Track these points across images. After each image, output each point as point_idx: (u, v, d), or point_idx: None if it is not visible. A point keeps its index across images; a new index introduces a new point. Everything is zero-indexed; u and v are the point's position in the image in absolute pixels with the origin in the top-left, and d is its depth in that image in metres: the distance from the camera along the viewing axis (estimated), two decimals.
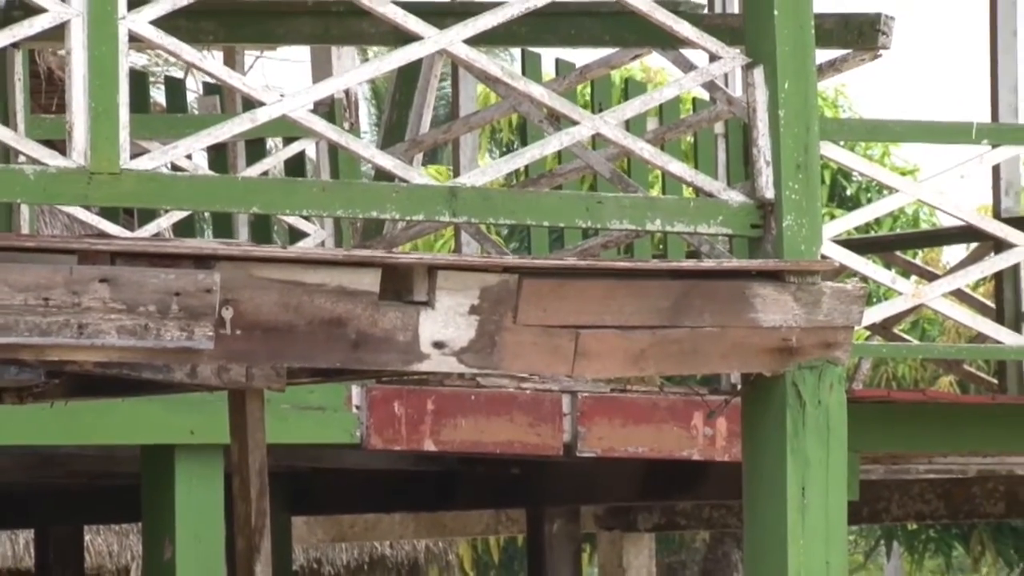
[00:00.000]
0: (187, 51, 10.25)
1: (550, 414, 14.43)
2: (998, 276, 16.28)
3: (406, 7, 10.70)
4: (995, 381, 17.30)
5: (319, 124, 10.22)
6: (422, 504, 21.91)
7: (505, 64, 11.90)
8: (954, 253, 18.61)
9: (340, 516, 22.32)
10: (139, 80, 12.08)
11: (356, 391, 13.37)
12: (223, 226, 12.09)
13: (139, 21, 9.63)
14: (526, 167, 11.04)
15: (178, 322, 9.92)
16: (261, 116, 10.42)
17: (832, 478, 10.83)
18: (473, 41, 10.59)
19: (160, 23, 10.23)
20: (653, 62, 12.86)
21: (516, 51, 13.24)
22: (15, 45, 11.00)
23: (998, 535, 29.62)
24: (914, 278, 17.04)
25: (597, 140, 10.91)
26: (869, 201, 17.59)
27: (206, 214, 12.03)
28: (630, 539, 21.15)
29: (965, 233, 17.43)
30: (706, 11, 12.35)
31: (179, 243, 9.92)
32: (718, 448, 13.97)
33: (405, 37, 10.49)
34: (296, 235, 11.24)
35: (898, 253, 18.10)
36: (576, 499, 18.10)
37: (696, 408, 14.32)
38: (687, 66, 11.53)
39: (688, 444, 14.81)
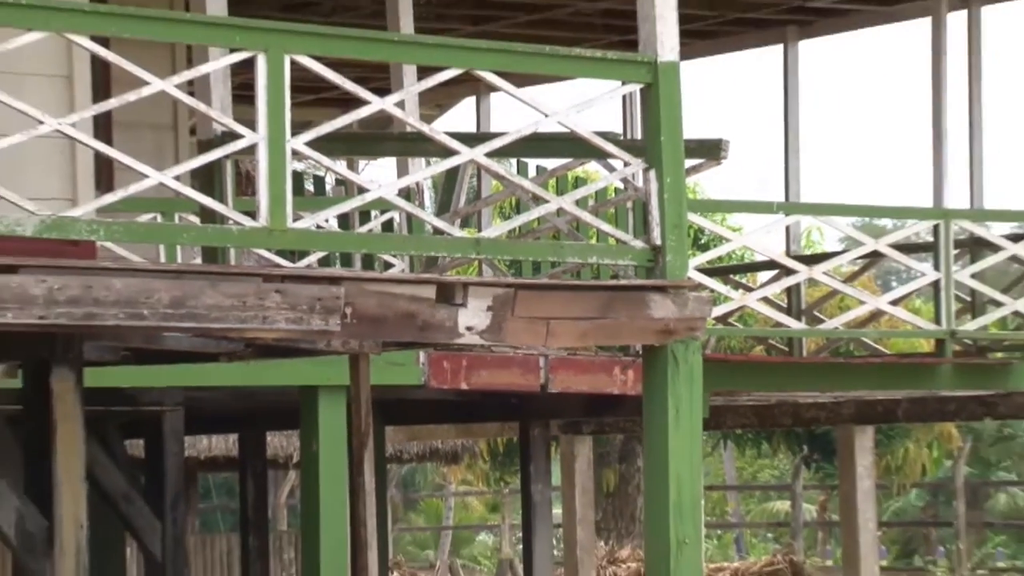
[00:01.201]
0: (325, 160, 10.74)
1: (533, 367, 14.93)
2: (788, 289, 16.22)
3: (451, 135, 11.04)
4: (787, 349, 17.20)
5: (402, 202, 10.85)
6: (459, 418, 21.05)
7: (508, 168, 12.18)
8: (764, 276, 18.81)
9: (411, 426, 22.15)
10: (297, 177, 12.22)
11: (421, 355, 13.65)
12: (346, 259, 12.32)
13: (297, 143, 9.91)
14: (520, 227, 11.28)
15: (319, 315, 9.94)
16: (368, 197, 10.95)
17: (693, 404, 10.85)
18: (489, 155, 10.81)
19: (309, 144, 10.17)
20: (591, 167, 12.99)
21: (513, 160, 13.32)
22: (227, 156, 10.62)
23: (787, 437, 28.80)
24: (740, 290, 17.10)
25: (560, 211, 10.53)
26: (715, 246, 17.70)
27: (337, 253, 12.21)
28: (578, 439, 21.11)
29: (770, 264, 17.45)
30: (622, 137, 11.97)
31: (320, 270, 10.79)
32: (629, 387, 14.12)
33: (450, 151, 10.62)
34: (387, 265, 11.46)
35: (731, 276, 18.02)
36: (547, 416, 18.28)
37: (616, 364, 14.33)
38: (611, 168, 11.93)
39: (611, 385, 15.19)
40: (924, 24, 18.77)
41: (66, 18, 9.87)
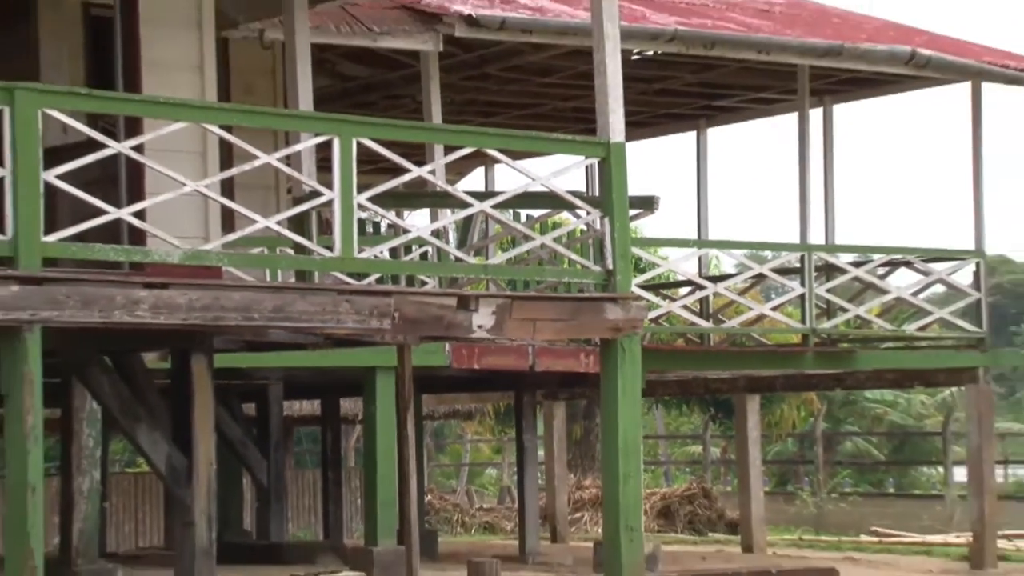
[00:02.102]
0: (380, 210, 10.45)
1: (524, 354, 14.77)
2: (700, 300, 16.17)
3: (467, 193, 11.17)
4: (699, 341, 16.95)
5: (433, 239, 10.99)
6: (473, 389, 21.15)
7: (507, 215, 11.92)
8: (684, 290, 18.33)
9: (440, 393, 21.69)
10: (360, 222, 12.02)
11: (447, 345, 13.42)
12: (395, 279, 12.04)
13: (361, 198, 9.75)
14: (515, 256, 11.08)
15: (376, 318, 9.85)
16: (410, 236, 11.22)
17: (635, 380, 10.62)
18: (494, 207, 10.92)
19: (370, 199, 9.93)
20: (565, 215, 12.61)
21: (511, 210, 13.01)
22: (312, 208, 10.31)
23: (700, 402, 27.75)
24: (667, 300, 16.72)
25: (543, 245, 10.40)
26: (649, 270, 17.09)
27: (389, 275, 11.81)
28: (555, 404, 20.91)
29: (687, 282, 17.67)
30: (585, 194, 11.60)
31: (376, 287, 10.47)
32: (590, 367, 13.84)
33: (466, 204, 10.56)
34: (423, 283, 11.19)
35: (661, 290, 17.47)
36: (534, 388, 18.06)
37: (582, 352, 14.38)
38: (577, 216, 11.85)
39: (578, 366, 15.04)
40: (813, 115, 18.67)
41: (202, 113, 10.00)
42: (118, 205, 9.23)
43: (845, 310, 17.58)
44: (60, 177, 8.73)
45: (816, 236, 18.56)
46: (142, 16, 10.73)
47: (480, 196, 11.43)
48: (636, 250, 14.10)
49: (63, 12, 11.73)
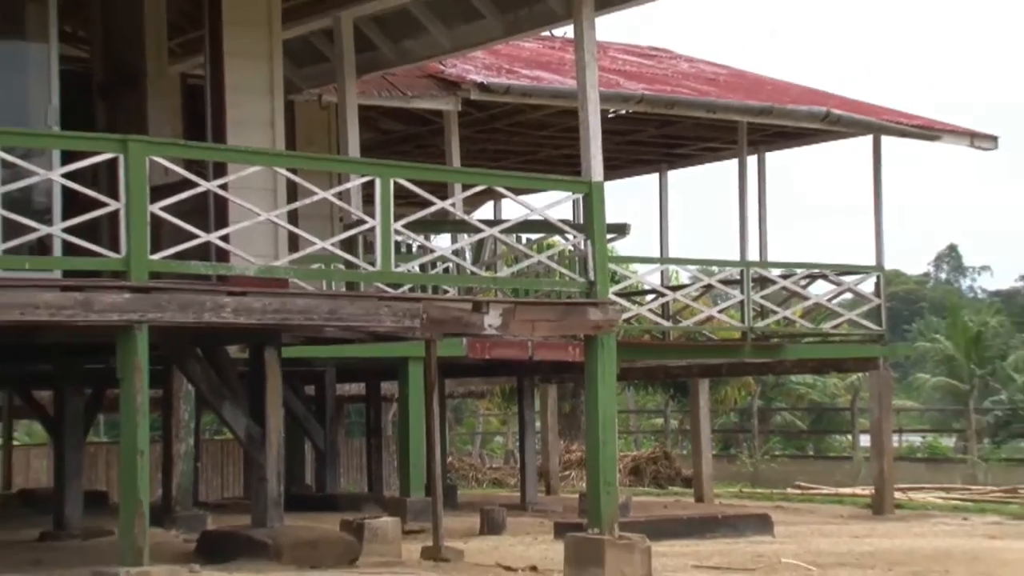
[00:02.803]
0: (412, 235, 10.44)
1: (524, 347, 14.92)
2: (663, 304, 16.11)
3: (481, 221, 10.94)
4: (661, 337, 16.92)
5: (453, 257, 11.16)
6: (484, 374, 20.79)
7: (512, 238, 11.81)
8: (649, 297, 18.09)
9: (458, 378, 21.58)
10: (396, 244, 11.95)
11: (464, 340, 13.33)
12: (423, 288, 11.88)
13: (397, 225, 9.56)
14: (517, 270, 10.98)
15: (408, 318, 9.69)
16: (436, 255, 10.94)
17: (611, 367, 10.34)
18: (502, 232, 10.84)
19: (404, 226, 9.79)
20: (556, 238, 12.51)
21: (515, 234, 12.80)
22: (359, 232, 10.15)
23: (663, 385, 27.19)
24: (636, 305, 16.59)
25: (540, 262, 10.33)
26: (622, 281, 16.80)
27: (419, 285, 11.63)
28: (549, 386, 20.87)
29: (653, 291, 17.59)
30: (572, 221, 11.46)
31: (409, 294, 10.08)
32: (576, 357, 13.59)
33: (480, 230, 10.54)
34: (446, 291, 11.09)
35: (631, 297, 17.25)
36: (532, 373, 17.98)
37: (570, 345, 14.17)
38: (566, 239, 11.43)
39: (567, 356, 14.92)
40: (751, 161, 18.68)
41: (273, 159, 10.12)
42: (207, 231, 9.19)
43: (775, 312, 17.57)
44: (163, 209, 8.73)
45: (752, 254, 18.46)
46: (227, 84, 10.69)
47: (490, 223, 11.51)
48: (612, 266, 14.14)
49: (166, 81, 11.68)
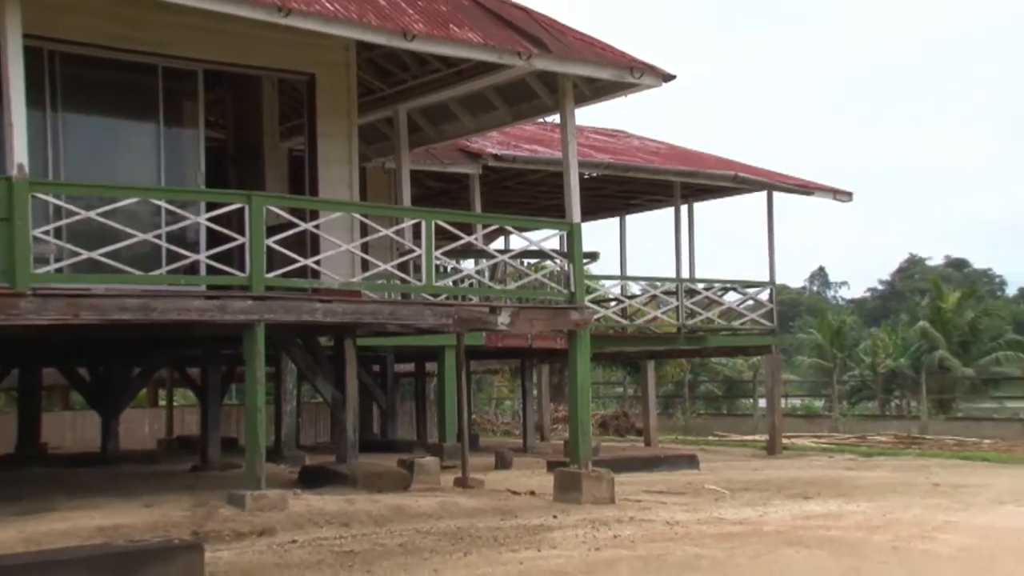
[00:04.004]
0: (446, 260, 10.29)
1: (526, 338, 14.54)
2: (623, 308, 15.91)
3: (496, 250, 10.39)
4: (622, 332, 16.84)
5: (476, 276, 10.28)
6: (497, 358, 20.62)
7: (517, 263, 11.50)
8: (612, 304, 17.33)
9: (480, 360, 21.20)
10: (437, 267, 11.75)
11: (484, 333, 13.08)
12: (454, 296, 11.71)
13: (437, 253, 9.48)
14: (521, 283, 10.81)
15: (444, 318, 9.58)
16: (463, 274, 9.58)
17: (586, 352, 9.97)
18: (511, 258, 10.78)
19: (443, 254, 9.72)
20: (548, 262, 12.15)
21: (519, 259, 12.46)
22: (410, 258, 9.88)
23: (623, 364, 27.27)
24: (603, 309, 16.45)
25: (537, 278, 10.14)
26: (594, 292, 16.35)
27: (452, 295, 11.43)
28: (543, 366, 20.36)
29: (616, 299, 17.13)
30: (560, 248, 11.26)
31: (445, 301, 10.02)
32: (562, 345, 13.42)
33: (495, 257, 9.59)
34: (470, 299, 10.88)
35: (601, 303, 17.00)
36: (532, 357, 17.94)
37: (558, 337, 14.15)
38: (555, 262, 11.25)
39: (555, 344, 15.08)
40: (684, 209, 18.28)
41: (351, 207, 10.01)
42: (305, 257, 9.15)
43: (700, 314, 17.44)
44: (275, 242, 8.72)
45: (684, 273, 18.11)
46: (319, 156, 10.63)
47: (502, 252, 11.46)
48: (587, 281, 13.83)
49: (278, 153, 11.74)
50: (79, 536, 7.07)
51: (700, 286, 17.65)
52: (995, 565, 6.47)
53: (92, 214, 7.95)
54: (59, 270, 7.96)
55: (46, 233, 7.70)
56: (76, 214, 7.85)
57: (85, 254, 7.83)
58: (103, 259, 7.92)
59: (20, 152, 7.31)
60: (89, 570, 5.62)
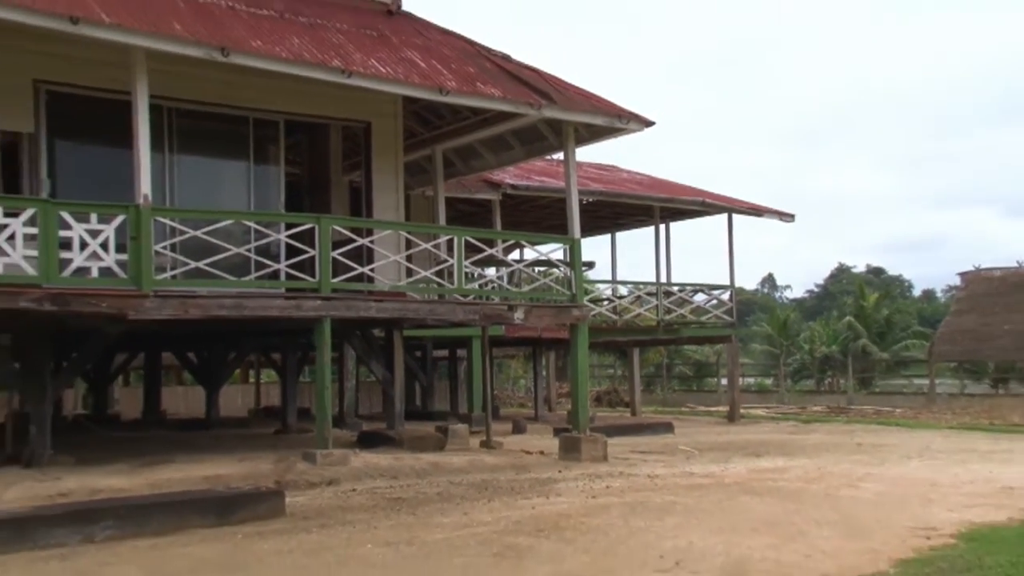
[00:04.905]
0: (472, 268, 9.71)
1: (536, 330, 14.31)
2: (614, 306, 15.74)
3: (513, 260, 10.16)
4: (612, 324, 16.81)
5: (495, 280, 10.13)
6: (514, 346, 19.58)
7: (531, 270, 11.41)
8: (606, 302, 17.00)
9: (501, 347, 20.96)
10: (467, 273, 11.64)
11: (503, 326, 13.09)
12: (479, 297, 11.63)
13: (466, 263, 9.32)
14: (532, 287, 10.83)
15: (472, 314, 9.61)
16: (486, 280, 10.16)
17: (585, 341, 10.02)
18: (524, 266, 9.72)
19: (471, 264, 9.45)
20: (555, 269, 11.76)
21: (532, 267, 12.31)
22: (444, 268, 9.57)
23: (615, 350, 25.73)
24: (599, 307, 16.31)
25: (546, 283, 10.00)
26: (590, 293, 16.17)
27: (478, 296, 11.36)
28: (551, 352, 20.17)
29: (608, 299, 17.09)
30: (564, 258, 11.08)
31: (472, 300, 10.03)
32: (566, 336, 13.13)
33: (512, 265, 9.45)
34: (492, 299, 10.73)
35: (596, 302, 16.74)
36: (542, 345, 17.76)
37: (563, 328, 13.30)
38: (560, 269, 10.93)
39: (561, 335, 14.56)
40: (663, 228, 18.07)
41: (398, 226, 9.89)
42: (362, 266, 9.16)
43: (676, 310, 17.26)
44: (339, 254, 8.78)
45: (663, 278, 17.82)
46: (374, 186, 10.66)
47: (518, 262, 11.68)
48: (585, 285, 13.64)
49: (341, 185, 11.75)
50: (190, 483, 7.32)
51: (675, 288, 17.50)
52: (905, 505, 6.73)
53: (198, 233, 8.10)
54: (173, 276, 8.06)
55: (164, 248, 7.91)
56: (186, 233, 8.05)
57: (193, 264, 8.02)
58: (206, 268, 8.07)
59: (145, 185, 7.60)
60: (199, 509, 5.92)
